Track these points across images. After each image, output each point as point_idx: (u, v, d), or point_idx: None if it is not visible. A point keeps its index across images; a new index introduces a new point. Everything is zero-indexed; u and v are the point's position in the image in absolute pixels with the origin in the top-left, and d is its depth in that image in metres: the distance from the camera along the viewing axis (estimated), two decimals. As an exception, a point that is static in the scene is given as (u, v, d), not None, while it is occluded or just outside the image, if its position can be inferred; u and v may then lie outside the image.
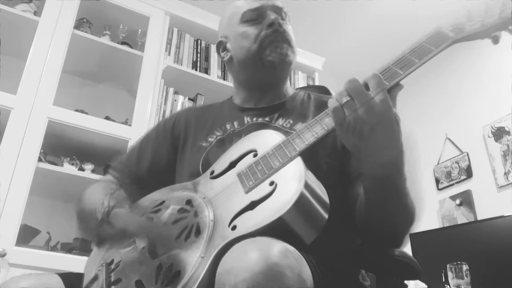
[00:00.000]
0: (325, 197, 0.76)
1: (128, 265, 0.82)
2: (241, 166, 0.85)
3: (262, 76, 1.09)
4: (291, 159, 0.78)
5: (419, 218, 0.84)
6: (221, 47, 1.16)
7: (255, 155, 0.85)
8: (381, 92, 0.71)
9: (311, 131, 0.81)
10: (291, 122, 1.03)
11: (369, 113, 0.71)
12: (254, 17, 1.08)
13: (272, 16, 1.07)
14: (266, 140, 0.87)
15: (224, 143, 1.02)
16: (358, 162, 0.81)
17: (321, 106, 1.09)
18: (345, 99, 0.73)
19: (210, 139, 1.05)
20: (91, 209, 0.92)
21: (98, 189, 1.02)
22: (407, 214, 0.83)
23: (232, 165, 0.88)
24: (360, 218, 0.88)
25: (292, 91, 1.16)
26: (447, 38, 0.81)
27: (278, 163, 0.79)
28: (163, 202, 0.89)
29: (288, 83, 1.17)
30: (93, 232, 0.90)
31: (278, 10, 1.10)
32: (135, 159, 1.12)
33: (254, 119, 1.07)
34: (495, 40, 0.80)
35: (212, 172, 0.91)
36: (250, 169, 0.82)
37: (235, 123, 1.07)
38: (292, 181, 0.74)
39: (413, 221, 0.84)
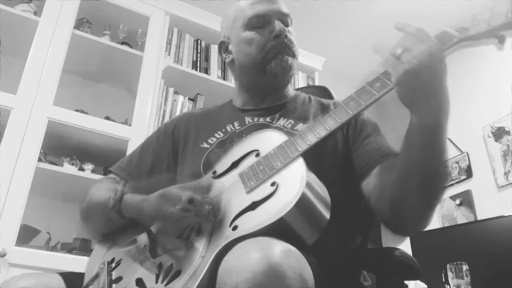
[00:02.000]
0: (327, 198, 0.76)
1: (129, 264, 0.82)
2: (243, 166, 0.85)
3: (264, 84, 1.09)
4: (293, 159, 0.78)
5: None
6: (223, 47, 1.16)
7: (257, 155, 0.85)
8: (434, 40, 0.73)
9: (314, 132, 0.81)
10: (292, 122, 1.03)
11: (431, 58, 0.71)
12: (260, 23, 1.06)
13: (278, 26, 1.05)
14: (268, 140, 0.87)
15: (225, 144, 1.02)
16: (411, 119, 0.78)
17: (322, 107, 1.09)
18: (400, 50, 0.73)
19: (210, 141, 1.05)
20: (100, 199, 0.92)
21: (102, 186, 1.02)
22: (446, 174, 0.82)
23: (234, 165, 0.88)
24: (393, 196, 0.84)
25: (293, 92, 1.17)
26: (452, 37, 0.81)
27: (280, 164, 0.79)
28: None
29: (289, 85, 1.16)
30: (103, 221, 0.89)
31: (284, 16, 1.08)
32: (135, 163, 1.12)
33: (255, 119, 1.07)
34: (502, 40, 0.80)
35: (215, 172, 0.91)
36: (252, 169, 0.82)
37: (236, 124, 1.07)
38: (294, 181, 0.74)
39: (445, 184, 0.83)
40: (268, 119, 1.06)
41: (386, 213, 0.87)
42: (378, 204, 0.88)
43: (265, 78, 1.06)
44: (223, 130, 1.07)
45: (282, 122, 1.04)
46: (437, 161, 0.79)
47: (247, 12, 1.08)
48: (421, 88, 0.72)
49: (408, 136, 0.79)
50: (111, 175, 1.12)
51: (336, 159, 0.98)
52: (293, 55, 1.06)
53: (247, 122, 1.07)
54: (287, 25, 1.08)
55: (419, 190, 0.80)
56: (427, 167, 0.78)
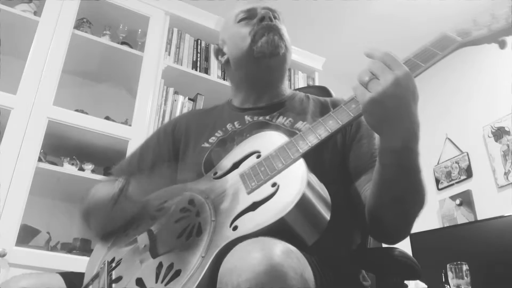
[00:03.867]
0: (327, 198, 0.77)
1: (129, 264, 0.82)
2: (244, 167, 0.86)
3: (257, 72, 1.10)
4: (294, 160, 0.79)
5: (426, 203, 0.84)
6: (220, 52, 1.19)
7: (258, 157, 0.86)
8: (402, 66, 0.72)
9: (315, 133, 0.81)
10: (292, 120, 1.03)
11: (396, 87, 0.71)
12: (247, 16, 1.12)
13: (262, 11, 1.10)
14: (269, 141, 0.87)
15: (226, 143, 1.02)
16: (380, 141, 0.79)
17: (320, 106, 1.10)
18: (367, 78, 0.73)
19: (211, 141, 1.05)
20: (101, 197, 0.92)
21: (103, 186, 1.02)
22: (421, 192, 0.82)
23: (235, 166, 0.88)
24: (370, 206, 0.87)
25: (290, 91, 1.18)
26: (453, 41, 0.81)
27: (280, 165, 0.79)
28: (165, 201, 0.89)
29: (286, 83, 1.18)
30: (107, 217, 0.89)
31: (270, 11, 1.12)
32: (136, 163, 1.12)
33: (255, 118, 1.07)
34: (502, 45, 0.80)
35: (215, 173, 0.91)
36: (253, 170, 0.83)
37: (236, 123, 1.08)
38: (294, 182, 0.74)
39: (424, 202, 0.83)
40: (267, 117, 1.06)
41: (367, 219, 0.89)
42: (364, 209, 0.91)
43: (256, 64, 1.08)
44: (224, 129, 1.07)
45: (281, 120, 1.04)
46: (408, 181, 0.80)
47: (237, 13, 1.14)
48: (387, 116, 0.72)
49: (379, 155, 0.81)
50: (112, 176, 1.11)
51: (336, 158, 0.98)
52: (280, 36, 1.09)
53: (246, 121, 1.07)
54: (275, 18, 1.12)
55: (392, 207, 0.82)
56: (398, 187, 0.80)
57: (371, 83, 0.72)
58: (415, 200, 0.83)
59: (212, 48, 2.70)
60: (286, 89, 1.17)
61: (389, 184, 0.81)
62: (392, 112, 0.72)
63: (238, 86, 1.16)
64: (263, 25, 1.08)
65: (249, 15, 1.12)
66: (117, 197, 0.87)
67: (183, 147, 1.11)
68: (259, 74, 1.10)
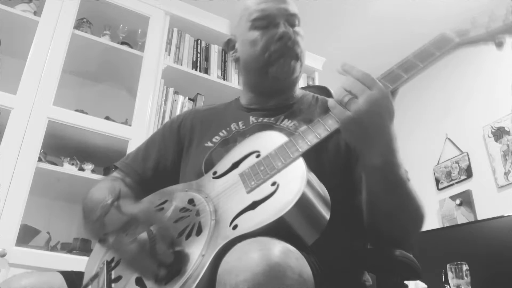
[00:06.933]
0: (327, 197, 0.77)
1: (129, 264, 0.82)
2: (244, 166, 0.86)
3: (267, 86, 1.09)
4: (294, 159, 0.79)
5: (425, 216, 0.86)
6: (230, 45, 1.16)
7: (258, 156, 0.86)
8: (379, 85, 0.76)
9: (314, 132, 0.82)
10: (297, 124, 1.02)
11: (374, 106, 0.75)
12: (265, 24, 1.05)
13: (282, 27, 1.03)
14: (269, 141, 0.87)
15: (228, 143, 1.02)
16: (359, 157, 0.82)
17: (327, 108, 1.08)
18: (346, 97, 0.76)
19: (214, 140, 1.05)
20: (96, 202, 0.92)
21: (103, 186, 1.01)
22: (412, 203, 0.84)
23: (235, 165, 0.89)
24: (367, 221, 0.89)
25: (300, 92, 1.16)
26: (451, 41, 0.82)
27: (280, 164, 0.79)
28: (165, 201, 0.89)
29: (295, 86, 1.15)
30: (96, 224, 0.89)
31: (290, 16, 1.07)
32: (140, 159, 1.12)
33: (260, 119, 1.07)
34: (500, 45, 0.81)
35: (215, 173, 0.91)
36: (253, 169, 0.83)
37: (240, 123, 1.07)
38: (294, 181, 0.74)
39: (419, 211, 0.85)
40: (272, 119, 1.06)
41: (366, 230, 0.91)
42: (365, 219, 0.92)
43: (267, 81, 1.07)
44: (228, 129, 1.07)
45: (286, 123, 1.04)
46: (397, 194, 0.82)
47: (253, 12, 1.07)
48: (366, 133, 0.77)
49: (364, 174, 0.84)
50: (115, 173, 1.11)
51: (337, 161, 0.98)
52: (297, 58, 1.05)
53: (251, 122, 1.07)
54: (293, 25, 1.07)
55: (386, 221, 0.85)
56: (388, 202, 0.82)
57: (350, 102, 0.76)
58: (409, 211, 0.84)
59: (212, 48, 2.69)
60: (296, 90, 1.15)
61: (378, 200, 0.83)
62: (371, 130, 0.76)
63: (246, 86, 1.15)
64: (280, 46, 1.03)
65: (267, 23, 1.05)
66: (107, 210, 0.87)
67: (187, 145, 1.11)
68: (269, 88, 1.10)
